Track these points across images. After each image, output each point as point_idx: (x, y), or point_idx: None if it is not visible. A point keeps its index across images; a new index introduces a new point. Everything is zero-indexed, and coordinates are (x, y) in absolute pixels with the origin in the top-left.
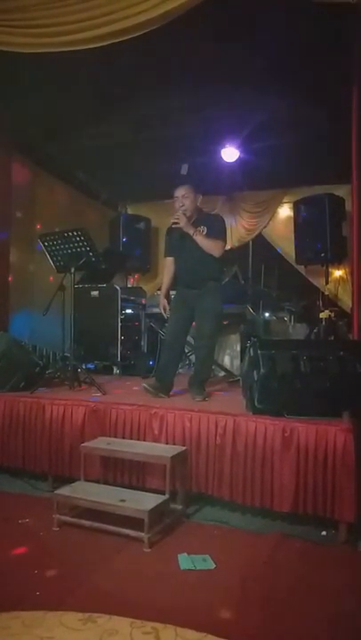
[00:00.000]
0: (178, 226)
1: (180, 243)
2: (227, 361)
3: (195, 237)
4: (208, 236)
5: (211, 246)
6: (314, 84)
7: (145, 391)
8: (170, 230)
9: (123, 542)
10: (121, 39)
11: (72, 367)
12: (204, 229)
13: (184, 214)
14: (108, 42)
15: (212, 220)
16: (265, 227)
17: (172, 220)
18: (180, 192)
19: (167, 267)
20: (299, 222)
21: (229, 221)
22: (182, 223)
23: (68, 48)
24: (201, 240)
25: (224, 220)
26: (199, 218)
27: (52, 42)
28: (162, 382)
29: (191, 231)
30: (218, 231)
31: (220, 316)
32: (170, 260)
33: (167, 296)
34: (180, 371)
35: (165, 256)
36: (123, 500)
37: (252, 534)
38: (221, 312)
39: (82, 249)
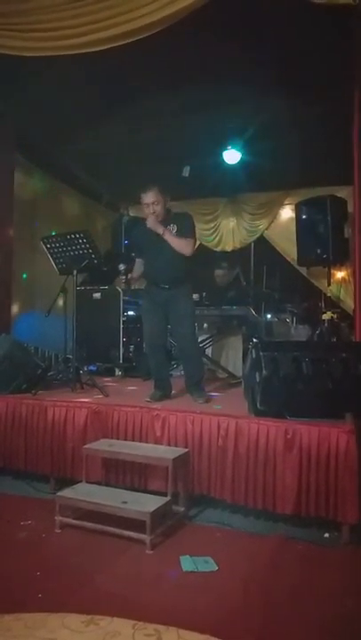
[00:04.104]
0: (148, 225)
1: (147, 243)
2: (229, 362)
3: (165, 237)
4: (178, 234)
5: (181, 245)
6: (315, 84)
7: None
8: (135, 231)
9: (125, 544)
10: (123, 42)
11: (74, 369)
12: (173, 227)
13: (156, 217)
14: (110, 45)
15: (181, 218)
16: (267, 228)
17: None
18: (149, 199)
19: (136, 268)
20: (301, 224)
21: (231, 223)
22: (151, 223)
23: (70, 52)
24: (171, 239)
25: (193, 219)
26: (168, 218)
27: (54, 45)
28: (162, 389)
29: (160, 230)
30: (188, 230)
31: (194, 315)
32: (140, 261)
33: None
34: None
35: (135, 257)
36: (125, 502)
37: (255, 536)
38: (194, 312)
39: (84, 251)
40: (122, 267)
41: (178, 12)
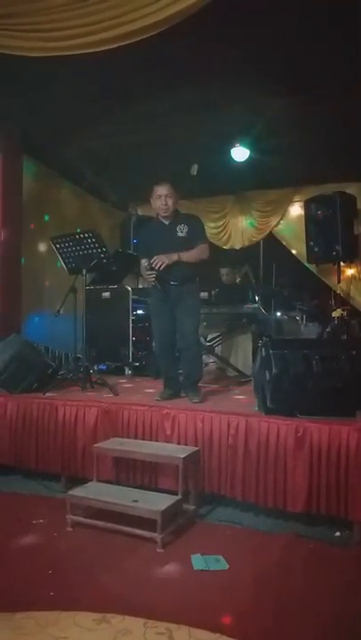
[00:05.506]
0: (165, 264)
1: (156, 241)
2: (238, 361)
3: (182, 259)
4: (191, 241)
5: (199, 254)
6: (323, 81)
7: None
8: (143, 230)
9: (136, 543)
10: (128, 42)
11: (84, 368)
12: (184, 228)
13: (167, 210)
14: (115, 44)
15: (191, 221)
16: (276, 226)
17: (151, 271)
18: (163, 191)
19: (143, 269)
20: (310, 221)
21: (240, 221)
22: (164, 264)
23: (74, 52)
24: (189, 257)
25: (202, 221)
26: (178, 218)
27: (58, 46)
28: (172, 388)
29: (175, 257)
30: (201, 235)
31: (199, 314)
32: (145, 261)
33: None
34: None
35: (142, 257)
36: (135, 501)
37: (265, 535)
38: (200, 310)
39: (93, 250)
40: (145, 262)
41: (182, 10)
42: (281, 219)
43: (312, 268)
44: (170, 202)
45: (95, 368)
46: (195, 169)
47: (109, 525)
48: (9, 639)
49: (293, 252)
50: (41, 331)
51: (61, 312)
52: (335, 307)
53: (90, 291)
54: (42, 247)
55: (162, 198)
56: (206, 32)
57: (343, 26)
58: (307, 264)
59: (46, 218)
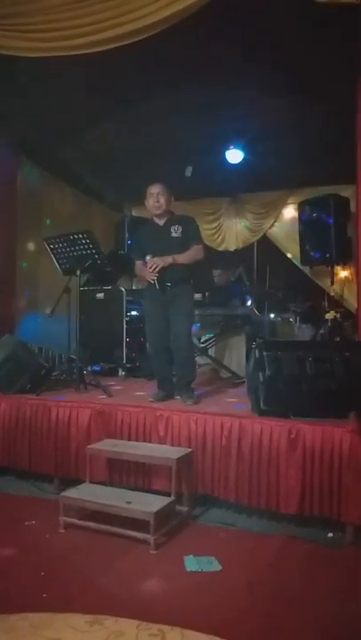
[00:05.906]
0: (159, 267)
1: (151, 242)
2: (232, 362)
3: (178, 261)
4: (186, 242)
5: (193, 257)
6: (318, 83)
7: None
8: (137, 231)
9: (129, 544)
10: (127, 42)
11: (78, 369)
12: (178, 228)
13: (159, 208)
14: (114, 45)
15: (185, 222)
16: (270, 228)
17: (150, 273)
18: (155, 189)
19: (139, 268)
20: (304, 223)
21: (234, 223)
22: (158, 267)
23: (74, 52)
24: (184, 259)
25: (196, 222)
26: (172, 219)
27: (57, 46)
28: (165, 389)
29: (170, 260)
30: (196, 235)
31: (193, 316)
32: (140, 263)
33: None
34: None
35: (137, 259)
36: (129, 502)
37: (258, 536)
38: (193, 312)
39: (87, 251)
40: (148, 257)
41: (182, 10)
42: (275, 221)
43: (306, 270)
44: (162, 199)
45: (89, 369)
46: (189, 170)
47: (102, 527)
48: None
49: (288, 255)
50: (35, 331)
51: (55, 313)
52: (329, 309)
53: (84, 291)
54: (37, 248)
55: (154, 196)
56: (204, 32)
57: (341, 27)
58: (300, 266)
59: (48, 222)
